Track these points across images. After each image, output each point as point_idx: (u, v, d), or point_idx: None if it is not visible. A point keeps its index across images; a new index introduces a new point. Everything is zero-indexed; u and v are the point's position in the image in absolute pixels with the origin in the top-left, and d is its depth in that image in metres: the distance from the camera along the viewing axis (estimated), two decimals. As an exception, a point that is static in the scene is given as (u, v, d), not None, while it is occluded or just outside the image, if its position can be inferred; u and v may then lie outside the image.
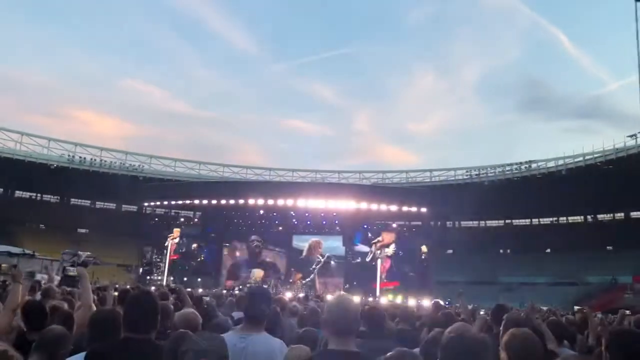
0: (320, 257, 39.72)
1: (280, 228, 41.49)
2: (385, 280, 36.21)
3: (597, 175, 41.62)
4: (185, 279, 38.13)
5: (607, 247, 48.76)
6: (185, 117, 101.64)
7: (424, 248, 37.86)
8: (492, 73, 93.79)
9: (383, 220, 41.46)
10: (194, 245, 41.65)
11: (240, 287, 36.25)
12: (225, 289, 32.80)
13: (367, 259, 37.37)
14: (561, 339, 4.85)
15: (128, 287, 14.51)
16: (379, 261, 37.11)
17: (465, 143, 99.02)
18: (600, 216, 53.11)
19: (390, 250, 37.12)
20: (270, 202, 39.00)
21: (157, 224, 43.32)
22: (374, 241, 37.72)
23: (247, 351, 3.16)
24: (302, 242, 40.74)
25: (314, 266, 39.71)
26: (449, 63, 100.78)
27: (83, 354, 3.15)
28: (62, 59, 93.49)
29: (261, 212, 40.52)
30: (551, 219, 55.85)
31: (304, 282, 38.68)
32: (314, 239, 40.75)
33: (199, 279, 38.86)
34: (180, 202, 42.63)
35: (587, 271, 46.14)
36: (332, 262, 39.39)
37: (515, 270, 49.64)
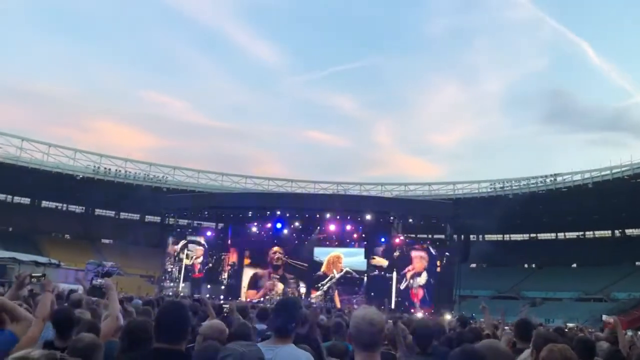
0: (335, 273, 39.46)
1: (302, 240, 41.38)
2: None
3: (625, 189, 40.88)
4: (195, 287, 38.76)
5: (636, 263, 47.82)
6: (206, 128, 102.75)
7: (437, 262, 37.36)
8: (515, 84, 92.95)
9: (405, 233, 41.18)
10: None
11: (264, 299, 36.32)
12: (249, 301, 32.91)
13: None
14: (592, 358, 4.70)
15: (151, 298, 14.65)
16: (394, 281, 36.60)
17: (488, 155, 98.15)
18: (628, 231, 52.07)
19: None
20: (293, 214, 39.07)
21: (180, 234, 43.52)
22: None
23: (275, 363, 3.14)
24: (323, 256, 40.58)
25: (324, 282, 39.53)
26: (471, 74, 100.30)
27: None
28: (85, 71, 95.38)
29: (283, 223, 40.51)
30: (577, 234, 54.94)
31: (319, 296, 38.45)
32: (333, 253, 40.52)
33: (209, 286, 39.15)
34: (203, 213, 42.90)
35: (614, 287, 45.24)
36: (357, 277, 39.05)
37: (540, 285, 48.93)
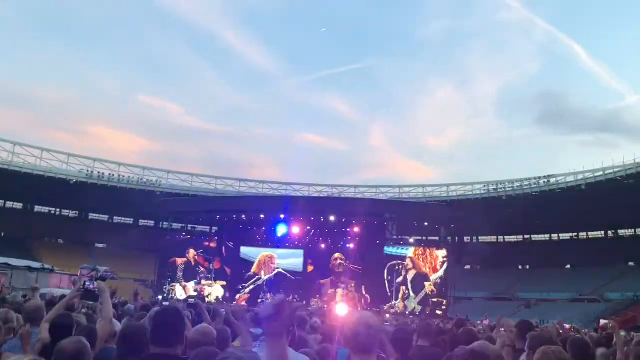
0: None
1: (297, 243, 41.31)
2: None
3: (618, 190, 41.06)
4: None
5: (629, 263, 48.01)
6: (200, 132, 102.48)
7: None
8: (508, 86, 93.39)
9: (399, 235, 41.24)
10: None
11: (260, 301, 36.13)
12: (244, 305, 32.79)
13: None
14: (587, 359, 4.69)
15: (147, 302, 14.57)
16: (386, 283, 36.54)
17: (482, 157, 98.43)
18: (621, 231, 52.27)
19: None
20: (288, 216, 39.02)
21: (174, 238, 43.32)
22: (392, 263, 37.06)
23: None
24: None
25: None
26: (464, 77, 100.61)
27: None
28: (79, 76, 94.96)
29: (278, 227, 40.44)
30: (571, 235, 55.13)
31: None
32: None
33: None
34: (197, 217, 42.86)
35: (608, 288, 45.41)
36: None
37: (535, 286, 49.06)
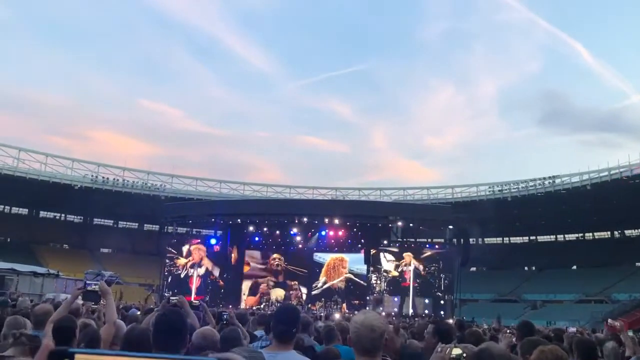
0: (329, 280, 39.03)
1: (301, 246, 41.28)
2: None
3: (623, 190, 40.91)
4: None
5: (636, 264, 47.76)
6: (202, 136, 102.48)
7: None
8: (510, 87, 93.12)
9: (405, 238, 41.15)
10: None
11: (263, 305, 36.12)
12: (249, 308, 32.73)
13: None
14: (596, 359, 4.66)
15: (151, 306, 14.58)
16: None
17: (485, 158, 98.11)
18: (627, 231, 52.04)
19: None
20: (292, 220, 38.97)
21: (179, 242, 43.32)
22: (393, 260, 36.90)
23: (277, 369, 3.11)
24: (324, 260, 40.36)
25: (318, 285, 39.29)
26: (466, 78, 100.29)
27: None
28: (80, 81, 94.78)
29: (283, 230, 40.47)
30: (577, 235, 54.92)
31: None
32: (333, 256, 40.33)
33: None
34: (202, 221, 42.80)
35: (614, 288, 45.17)
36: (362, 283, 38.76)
37: (541, 287, 48.87)
